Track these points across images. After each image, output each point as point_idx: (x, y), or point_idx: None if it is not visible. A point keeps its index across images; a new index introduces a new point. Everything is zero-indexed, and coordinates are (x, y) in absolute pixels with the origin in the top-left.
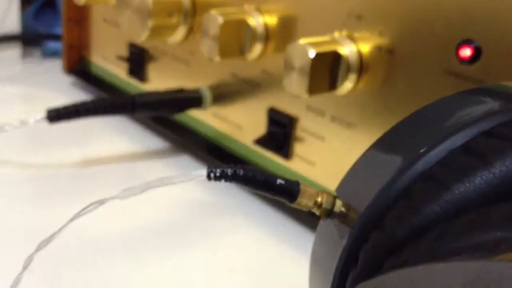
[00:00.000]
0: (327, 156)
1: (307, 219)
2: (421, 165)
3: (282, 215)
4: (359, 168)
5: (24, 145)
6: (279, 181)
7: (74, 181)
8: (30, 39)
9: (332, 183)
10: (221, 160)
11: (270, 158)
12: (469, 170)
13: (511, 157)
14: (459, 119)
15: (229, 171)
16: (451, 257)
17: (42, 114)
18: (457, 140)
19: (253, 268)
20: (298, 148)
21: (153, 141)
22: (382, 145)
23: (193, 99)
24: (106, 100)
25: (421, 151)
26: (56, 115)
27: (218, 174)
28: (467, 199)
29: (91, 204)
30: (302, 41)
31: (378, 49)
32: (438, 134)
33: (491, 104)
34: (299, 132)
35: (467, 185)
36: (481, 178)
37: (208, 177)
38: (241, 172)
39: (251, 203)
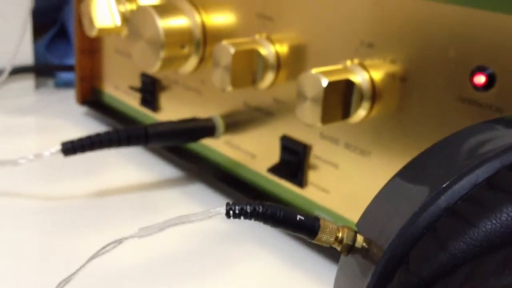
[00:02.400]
0: (342, 183)
1: (321, 247)
2: (444, 200)
3: (296, 242)
4: (380, 202)
5: (39, 177)
6: (299, 217)
7: (90, 213)
8: (42, 70)
9: (346, 211)
10: (235, 189)
11: (284, 186)
12: (494, 206)
13: None
14: (482, 152)
15: (248, 208)
16: None
17: (57, 147)
18: (481, 174)
19: None
20: (312, 176)
21: (167, 170)
22: (403, 178)
23: (206, 128)
24: (120, 132)
25: (444, 185)
26: (71, 148)
27: (237, 212)
28: (494, 237)
29: (109, 244)
30: (314, 70)
31: (390, 77)
32: (461, 168)
33: None
34: (312, 159)
35: (494, 222)
36: (508, 215)
37: (227, 214)
38: (260, 209)
39: (265, 230)
